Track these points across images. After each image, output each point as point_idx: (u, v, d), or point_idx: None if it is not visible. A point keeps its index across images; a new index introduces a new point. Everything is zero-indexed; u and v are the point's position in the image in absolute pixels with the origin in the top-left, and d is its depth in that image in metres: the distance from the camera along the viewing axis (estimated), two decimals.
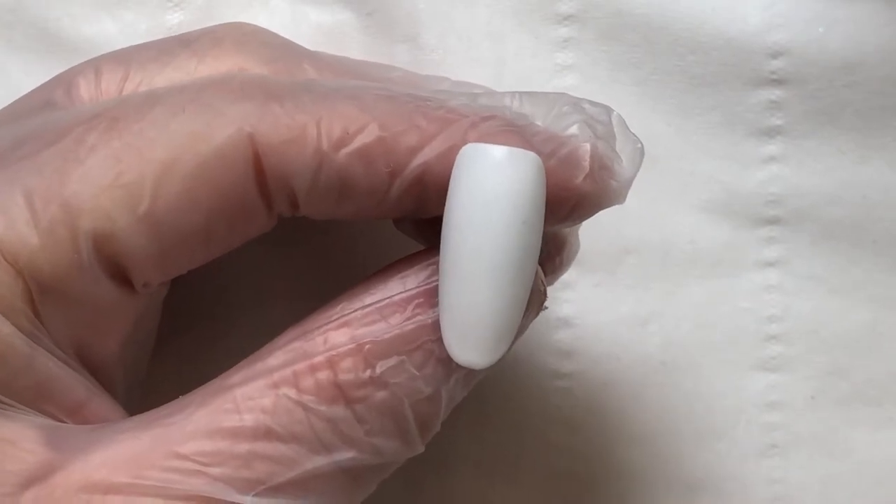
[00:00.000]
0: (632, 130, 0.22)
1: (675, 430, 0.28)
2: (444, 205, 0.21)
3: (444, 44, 0.29)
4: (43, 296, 0.20)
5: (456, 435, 0.28)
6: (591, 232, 0.26)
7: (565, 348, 0.29)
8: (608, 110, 0.22)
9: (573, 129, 0.21)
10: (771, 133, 0.29)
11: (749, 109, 0.28)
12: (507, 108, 0.22)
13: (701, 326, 0.29)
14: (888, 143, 0.28)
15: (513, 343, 0.21)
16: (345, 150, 0.20)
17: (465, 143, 0.20)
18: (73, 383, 0.21)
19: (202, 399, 0.20)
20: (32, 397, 0.20)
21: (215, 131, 0.20)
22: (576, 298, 0.29)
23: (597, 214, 0.22)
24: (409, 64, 0.29)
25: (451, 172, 0.20)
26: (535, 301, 0.21)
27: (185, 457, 0.20)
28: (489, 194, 0.20)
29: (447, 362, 0.21)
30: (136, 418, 0.21)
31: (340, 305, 0.21)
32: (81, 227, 0.20)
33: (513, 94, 0.22)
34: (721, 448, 0.28)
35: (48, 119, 0.22)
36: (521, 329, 0.21)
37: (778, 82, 0.28)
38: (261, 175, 0.20)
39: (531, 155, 0.20)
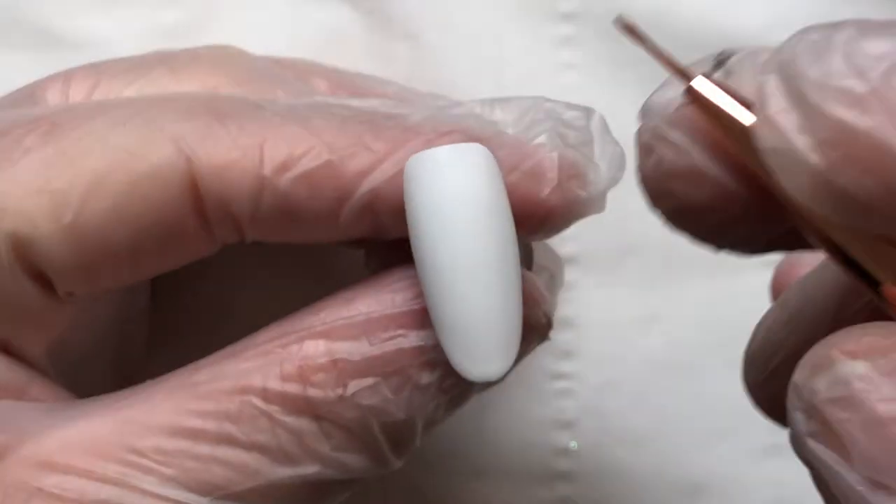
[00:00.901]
0: (612, 135, 0.21)
1: (676, 431, 0.28)
2: (399, 227, 0.20)
3: (444, 42, 0.28)
4: None
5: (456, 435, 0.28)
6: (593, 232, 0.26)
7: (565, 348, 0.29)
8: (587, 114, 0.21)
9: (541, 139, 0.20)
10: None
11: None
12: (476, 118, 0.21)
13: (702, 326, 0.29)
14: None
15: (520, 353, 0.19)
16: (288, 175, 0.20)
17: None
18: (8, 369, 0.21)
19: (167, 392, 0.20)
20: None
21: (151, 149, 0.20)
22: (577, 298, 0.29)
23: (597, 214, 0.21)
24: (409, 63, 0.29)
25: (402, 194, 0.19)
26: (535, 322, 0.21)
27: (142, 453, 0.19)
28: (445, 197, 0.19)
29: (426, 389, 0.20)
30: (96, 401, 0.20)
31: (322, 313, 0.20)
32: (2, 227, 0.19)
33: (484, 101, 0.21)
34: (723, 449, 0.28)
35: None
36: (523, 352, 0.20)
37: None
38: (197, 199, 0.20)
39: (473, 146, 0.19)
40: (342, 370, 0.20)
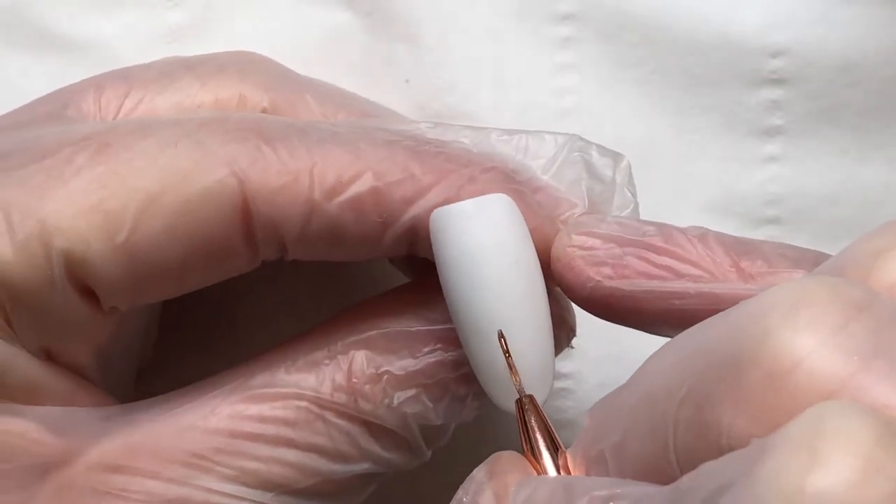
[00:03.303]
0: (632, 186, 0.22)
1: None
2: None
3: (444, 43, 0.29)
4: (14, 305, 0.20)
5: (456, 435, 0.28)
6: None
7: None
8: (616, 161, 0.22)
9: (573, 192, 0.22)
10: (771, 133, 0.29)
11: (749, 109, 0.28)
12: (511, 157, 0.22)
13: None
14: (888, 143, 0.28)
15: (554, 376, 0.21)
16: (337, 200, 0.20)
17: (459, 198, 0.20)
18: (58, 378, 0.21)
19: (224, 395, 0.21)
20: (26, 394, 0.21)
21: (204, 171, 0.20)
22: None
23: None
24: (409, 63, 0.29)
25: None
26: (562, 337, 0.22)
27: (204, 455, 0.20)
28: (472, 250, 0.20)
29: (462, 399, 0.21)
30: (150, 404, 0.21)
31: (366, 322, 0.22)
32: (56, 245, 0.20)
33: (520, 136, 0.22)
34: None
35: (40, 133, 0.22)
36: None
37: (778, 82, 0.28)
38: (247, 220, 0.20)
39: (499, 196, 0.20)
40: (388, 382, 0.21)
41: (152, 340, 0.26)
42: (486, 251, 0.20)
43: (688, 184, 0.29)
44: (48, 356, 0.21)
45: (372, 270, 0.28)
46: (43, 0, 0.29)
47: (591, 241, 0.20)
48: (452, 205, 0.20)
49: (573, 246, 0.20)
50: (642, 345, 0.28)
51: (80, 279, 0.20)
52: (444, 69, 0.29)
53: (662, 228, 0.20)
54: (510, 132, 0.22)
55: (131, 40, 0.29)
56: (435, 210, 0.20)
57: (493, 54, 0.29)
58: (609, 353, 0.29)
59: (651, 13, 0.28)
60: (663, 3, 0.28)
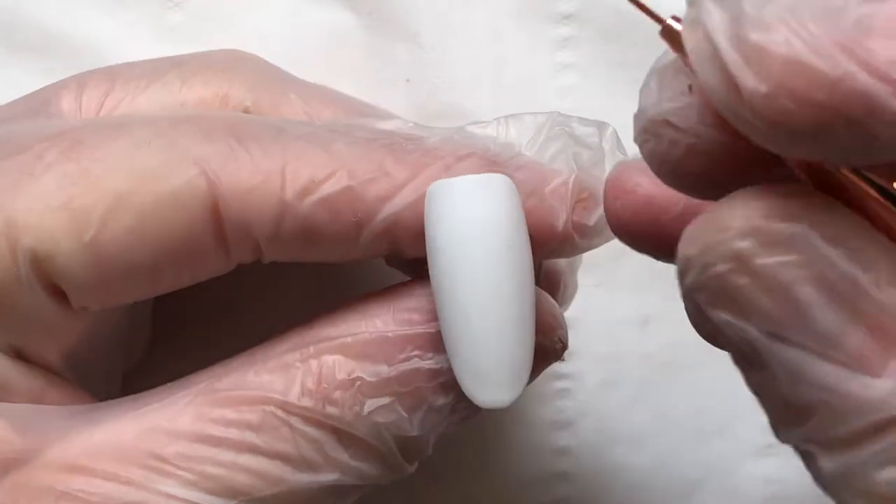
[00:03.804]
0: (623, 149, 0.21)
1: (674, 430, 0.28)
2: (418, 247, 0.20)
3: (444, 43, 0.29)
4: None
5: (455, 436, 0.28)
6: None
7: None
8: (601, 129, 0.21)
9: (557, 162, 0.21)
10: None
11: None
12: (492, 140, 0.21)
13: None
14: None
15: (532, 375, 0.20)
16: (310, 199, 0.20)
17: None
18: (27, 375, 0.21)
19: (189, 399, 0.20)
20: None
21: (174, 171, 0.20)
22: (575, 299, 0.29)
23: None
24: (409, 63, 0.29)
25: (422, 219, 0.20)
26: (550, 347, 0.21)
27: (166, 458, 0.20)
28: (466, 228, 0.19)
29: (440, 409, 0.20)
30: (117, 404, 0.21)
31: (341, 325, 0.21)
32: (23, 243, 0.19)
33: (500, 120, 0.22)
34: (719, 447, 0.28)
35: (16, 129, 0.21)
36: (535, 374, 0.21)
37: None
38: (218, 221, 0.20)
39: (498, 177, 0.19)
40: (360, 389, 0.20)
41: (144, 339, 0.26)
42: (481, 227, 0.19)
43: None
44: (18, 354, 0.21)
45: (378, 272, 0.28)
46: (44, 0, 0.29)
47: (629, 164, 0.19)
48: (452, 178, 0.19)
49: (640, 172, 0.18)
50: (642, 345, 0.29)
51: (48, 278, 0.20)
52: (444, 69, 0.29)
53: None
54: (488, 121, 0.22)
55: (132, 40, 0.29)
56: (433, 183, 0.20)
57: (493, 54, 0.29)
58: (609, 353, 0.29)
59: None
60: (663, 3, 0.28)
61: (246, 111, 0.23)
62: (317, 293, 0.28)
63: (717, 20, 0.14)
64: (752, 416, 0.29)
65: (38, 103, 0.23)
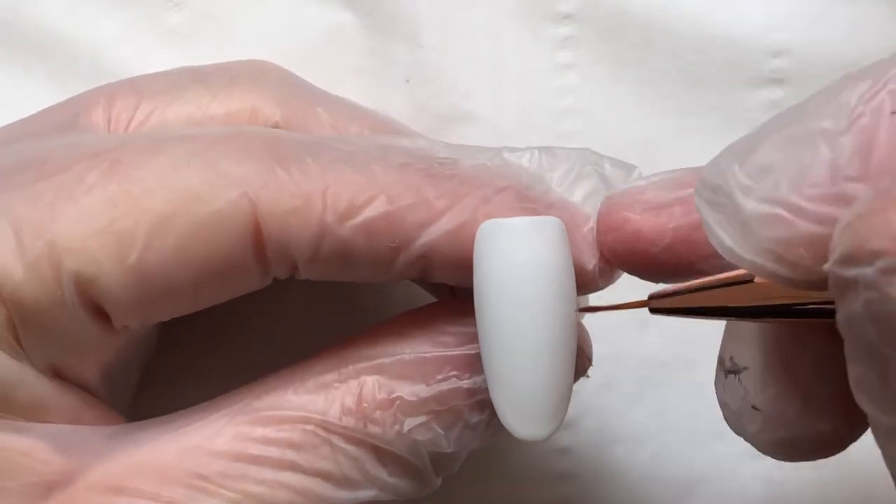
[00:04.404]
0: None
1: (673, 430, 0.28)
2: (450, 274, 0.21)
3: (444, 43, 0.29)
4: (23, 323, 0.20)
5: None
6: None
7: None
8: (628, 172, 0.22)
9: (588, 205, 0.21)
10: None
11: (749, 109, 0.28)
12: (525, 170, 0.22)
13: (699, 326, 0.29)
14: None
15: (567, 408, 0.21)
16: (350, 223, 0.20)
17: (474, 220, 0.20)
18: (64, 394, 0.21)
19: (230, 417, 0.21)
20: (33, 411, 0.21)
21: (216, 193, 0.20)
22: None
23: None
24: (409, 63, 0.29)
25: (458, 248, 0.20)
26: (580, 366, 0.22)
27: (207, 477, 0.20)
28: (518, 270, 0.19)
29: (475, 427, 0.21)
30: (153, 424, 0.21)
31: (378, 347, 0.21)
32: (66, 266, 0.20)
33: (532, 150, 0.22)
34: (719, 448, 0.28)
35: (51, 146, 0.22)
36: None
37: (778, 82, 0.28)
38: (259, 241, 0.20)
39: (553, 220, 0.20)
40: (399, 408, 0.21)
41: (153, 344, 0.26)
42: (533, 270, 0.19)
43: None
44: (56, 373, 0.21)
45: (390, 288, 0.28)
46: (44, 0, 0.29)
47: (641, 197, 0.20)
48: (507, 219, 0.20)
49: (627, 207, 0.20)
50: (642, 345, 0.29)
51: (91, 299, 0.20)
52: (444, 69, 0.29)
53: (676, 171, 0.20)
54: (521, 149, 0.22)
55: (132, 40, 0.29)
56: (487, 221, 0.20)
57: (493, 54, 0.29)
58: (609, 353, 0.29)
59: (651, 13, 0.28)
60: (663, 3, 0.28)
61: (275, 126, 0.24)
62: (322, 301, 0.28)
63: None
64: None
65: (68, 117, 0.23)
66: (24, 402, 0.20)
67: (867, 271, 0.14)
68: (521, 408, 0.20)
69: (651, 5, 0.28)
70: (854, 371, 0.15)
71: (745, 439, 0.20)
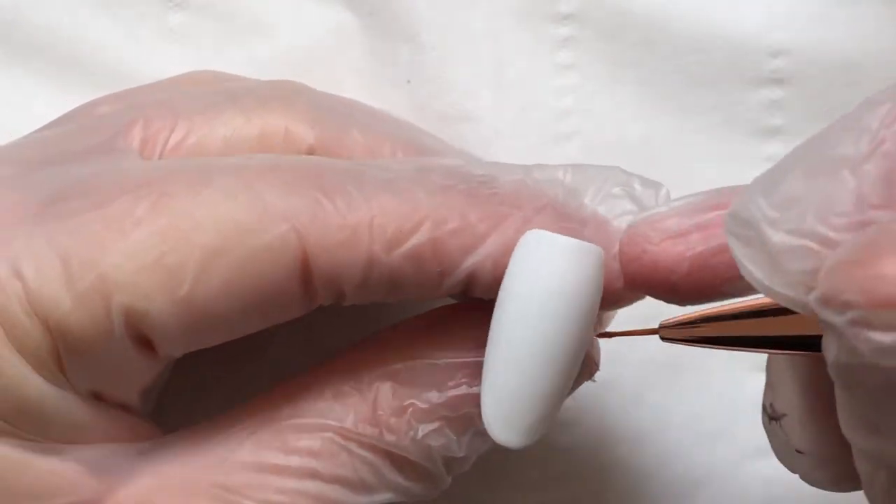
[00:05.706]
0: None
1: (674, 430, 0.28)
2: (491, 292, 0.21)
3: (444, 43, 0.29)
4: (69, 353, 0.20)
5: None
6: None
7: None
8: (657, 190, 0.22)
9: (618, 222, 0.21)
10: (771, 133, 0.29)
11: (749, 109, 0.28)
12: (560, 185, 0.22)
13: None
14: None
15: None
16: (397, 252, 0.21)
17: (516, 242, 0.21)
18: (103, 417, 0.21)
19: (251, 429, 0.21)
20: (70, 434, 0.21)
21: (265, 226, 0.20)
22: None
23: None
24: (410, 64, 0.29)
25: (501, 270, 0.21)
26: (587, 371, 0.22)
27: (232, 489, 0.21)
28: (555, 286, 0.20)
29: (485, 433, 0.21)
30: (178, 438, 0.22)
31: (391, 352, 0.22)
32: (116, 300, 0.20)
33: (565, 167, 0.22)
34: (719, 448, 0.28)
35: (95, 172, 0.22)
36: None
37: (778, 82, 0.28)
38: (307, 273, 0.20)
39: (596, 249, 0.20)
40: (413, 415, 0.21)
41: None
42: (569, 292, 0.20)
43: (687, 184, 0.29)
44: (96, 396, 0.21)
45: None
46: (44, 0, 0.29)
47: (660, 226, 0.20)
48: (554, 234, 0.20)
49: (645, 237, 0.20)
50: (641, 346, 0.29)
51: (139, 331, 0.20)
52: (445, 69, 0.29)
53: (698, 195, 0.21)
54: (552, 166, 0.22)
55: (133, 40, 0.29)
56: (533, 230, 0.20)
57: (493, 54, 0.29)
58: (609, 353, 0.29)
59: (651, 13, 0.28)
60: (663, 3, 0.28)
61: (311, 149, 0.24)
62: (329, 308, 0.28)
63: None
64: (752, 417, 0.29)
65: (107, 137, 0.23)
66: (62, 426, 0.21)
67: (838, 319, 0.15)
68: (509, 417, 0.21)
69: (651, 5, 0.28)
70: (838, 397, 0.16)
71: (802, 480, 0.21)
